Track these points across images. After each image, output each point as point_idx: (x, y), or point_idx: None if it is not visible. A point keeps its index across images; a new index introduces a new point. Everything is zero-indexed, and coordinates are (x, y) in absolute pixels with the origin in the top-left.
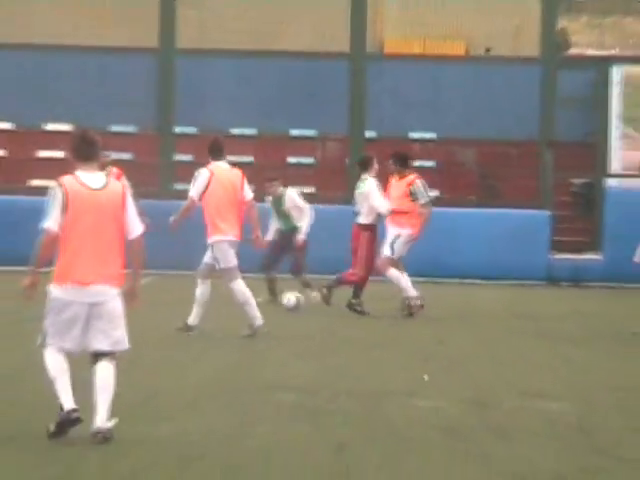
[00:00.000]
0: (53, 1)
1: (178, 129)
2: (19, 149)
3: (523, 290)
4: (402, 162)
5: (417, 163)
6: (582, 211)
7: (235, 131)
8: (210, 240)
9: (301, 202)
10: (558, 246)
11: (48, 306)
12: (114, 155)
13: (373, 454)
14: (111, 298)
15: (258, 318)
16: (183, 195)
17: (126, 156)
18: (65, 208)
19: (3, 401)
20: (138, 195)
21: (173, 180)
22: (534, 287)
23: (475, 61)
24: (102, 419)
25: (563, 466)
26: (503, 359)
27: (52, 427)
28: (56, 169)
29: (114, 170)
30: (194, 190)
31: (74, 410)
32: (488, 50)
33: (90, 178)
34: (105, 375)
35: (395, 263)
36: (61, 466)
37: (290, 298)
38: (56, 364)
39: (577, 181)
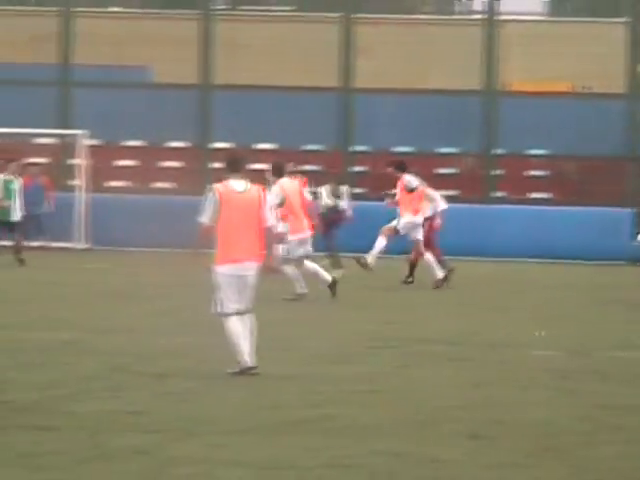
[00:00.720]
0: (263, 51)
1: (356, 147)
2: None
3: (611, 268)
4: (400, 167)
5: (533, 173)
6: None
7: (397, 149)
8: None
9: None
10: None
11: (216, 281)
12: (306, 167)
13: (500, 390)
14: (255, 271)
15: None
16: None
17: (315, 168)
18: (220, 207)
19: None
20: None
21: (351, 186)
22: (619, 266)
23: (577, 96)
24: (251, 353)
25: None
26: (595, 318)
27: (230, 370)
28: (260, 178)
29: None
30: (275, 200)
31: (253, 367)
32: (587, 88)
33: (236, 184)
34: (252, 322)
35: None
36: (269, 398)
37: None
38: (237, 330)
39: None
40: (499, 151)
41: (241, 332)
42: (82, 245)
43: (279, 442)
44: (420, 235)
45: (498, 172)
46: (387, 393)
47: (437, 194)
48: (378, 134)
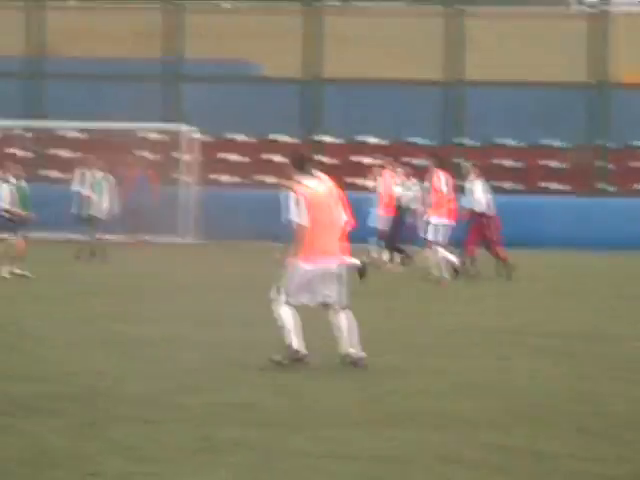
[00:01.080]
0: (371, 44)
1: (463, 140)
2: (341, 157)
3: None
4: (437, 161)
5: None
6: None
7: (504, 142)
8: None
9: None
10: None
11: (293, 273)
12: (413, 161)
13: (605, 382)
14: (340, 267)
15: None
16: None
17: (417, 162)
18: (305, 206)
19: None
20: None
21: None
22: None
23: None
24: (354, 349)
25: None
26: None
27: (278, 357)
28: (364, 171)
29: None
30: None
31: (304, 353)
32: None
33: (312, 184)
34: (349, 319)
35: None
36: (375, 391)
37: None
38: (291, 315)
39: None
40: (608, 144)
41: (294, 320)
42: (191, 239)
43: (386, 435)
44: (432, 236)
45: (607, 165)
46: (492, 386)
47: (476, 196)
48: (485, 127)
